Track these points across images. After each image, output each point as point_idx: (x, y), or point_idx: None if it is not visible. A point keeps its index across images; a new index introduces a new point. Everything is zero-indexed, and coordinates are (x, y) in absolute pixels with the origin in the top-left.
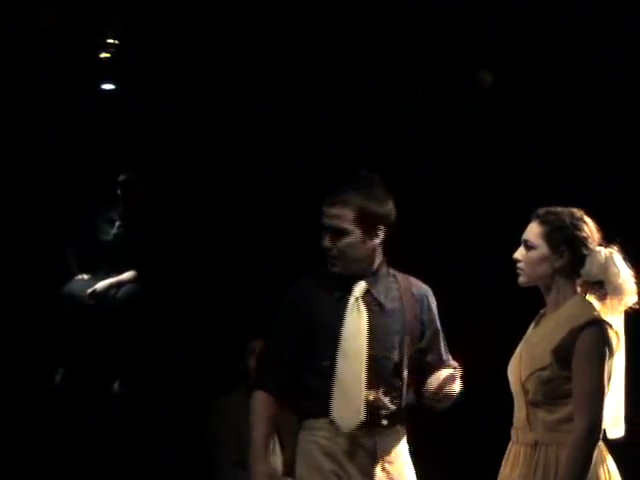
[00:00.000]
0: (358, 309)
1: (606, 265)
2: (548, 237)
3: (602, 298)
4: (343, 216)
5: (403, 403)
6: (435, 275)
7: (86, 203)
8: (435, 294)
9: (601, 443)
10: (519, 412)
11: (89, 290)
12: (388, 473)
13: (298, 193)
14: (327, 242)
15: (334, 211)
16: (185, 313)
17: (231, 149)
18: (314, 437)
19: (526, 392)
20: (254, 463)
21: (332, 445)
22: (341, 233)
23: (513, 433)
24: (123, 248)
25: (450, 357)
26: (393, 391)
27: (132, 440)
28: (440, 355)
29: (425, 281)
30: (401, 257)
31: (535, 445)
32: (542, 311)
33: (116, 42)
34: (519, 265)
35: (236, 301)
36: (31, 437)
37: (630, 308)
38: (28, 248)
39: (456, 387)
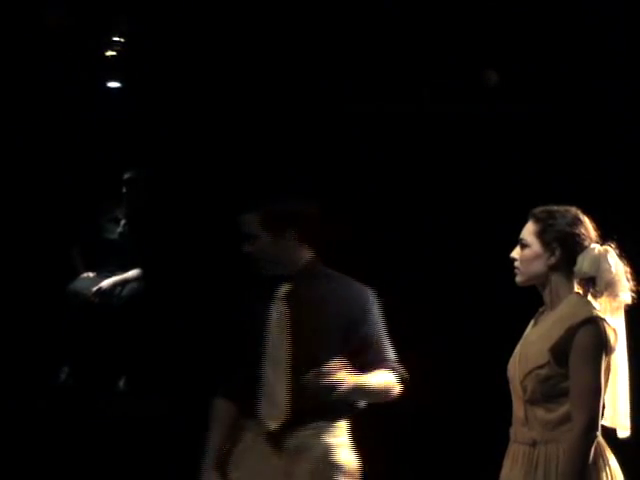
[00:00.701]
0: (281, 310)
1: (598, 261)
2: (540, 234)
3: (597, 295)
4: (250, 221)
5: (330, 403)
6: (437, 273)
7: (91, 201)
8: (437, 292)
9: (603, 441)
10: (517, 411)
11: (94, 288)
12: (311, 474)
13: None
14: (245, 247)
15: (243, 218)
16: (190, 311)
17: (236, 148)
18: (244, 436)
19: (524, 391)
20: (205, 472)
21: (256, 445)
22: (252, 237)
23: (512, 432)
24: (128, 246)
25: (393, 360)
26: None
27: (137, 437)
28: (376, 357)
29: (427, 278)
30: (404, 255)
31: (534, 444)
32: (541, 309)
33: (122, 40)
34: (515, 264)
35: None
36: (36, 435)
37: (630, 306)
38: (33, 246)
39: (342, 385)
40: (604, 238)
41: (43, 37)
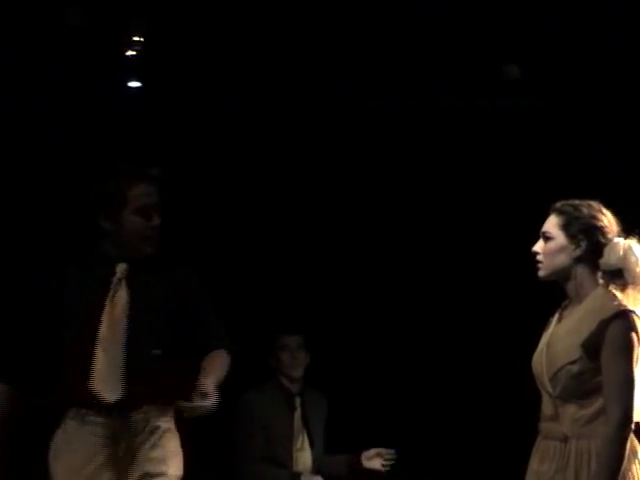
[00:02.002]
0: (119, 291)
1: (625, 254)
2: (565, 227)
3: (623, 288)
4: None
5: (161, 387)
6: (457, 268)
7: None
8: (457, 287)
9: (632, 435)
10: (547, 407)
11: None
12: (139, 459)
13: (317, 187)
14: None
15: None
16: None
17: (257, 146)
18: (62, 426)
19: (554, 387)
20: None
21: (76, 434)
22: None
23: (541, 428)
24: None
25: (224, 336)
26: (150, 374)
27: None
28: (208, 332)
29: (447, 272)
30: (425, 249)
31: (565, 439)
32: (564, 304)
33: (141, 40)
34: (538, 258)
35: (265, 296)
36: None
37: None
38: (53, 245)
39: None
40: (626, 232)
41: (63, 37)
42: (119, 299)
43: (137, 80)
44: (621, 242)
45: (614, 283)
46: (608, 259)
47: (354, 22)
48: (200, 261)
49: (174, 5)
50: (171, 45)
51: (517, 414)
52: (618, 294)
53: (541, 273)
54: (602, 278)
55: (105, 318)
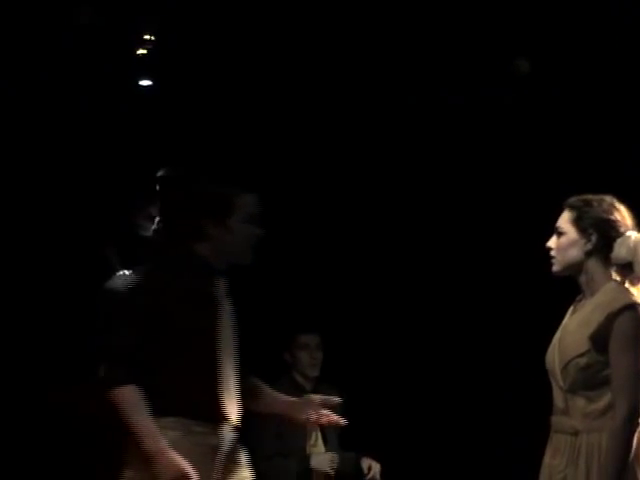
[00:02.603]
0: (224, 307)
1: (635, 247)
2: (576, 222)
3: (635, 282)
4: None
5: None
6: (472, 262)
7: (125, 200)
8: (472, 283)
9: None
10: (558, 400)
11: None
12: (229, 471)
13: (334, 186)
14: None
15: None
16: None
17: (267, 144)
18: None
19: (564, 380)
20: (167, 453)
21: (181, 443)
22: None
23: (553, 422)
24: None
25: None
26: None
27: None
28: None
29: (461, 266)
30: (441, 246)
31: (576, 433)
32: (578, 298)
33: (153, 38)
34: (552, 253)
35: (282, 293)
36: (75, 431)
37: None
38: (69, 246)
39: None
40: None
41: (73, 35)
42: (225, 315)
43: (148, 79)
44: (632, 235)
45: (626, 277)
46: (618, 252)
47: (364, 19)
48: None
49: (185, 4)
50: (182, 44)
51: (532, 408)
52: (631, 288)
53: (555, 268)
54: (615, 272)
55: (220, 335)
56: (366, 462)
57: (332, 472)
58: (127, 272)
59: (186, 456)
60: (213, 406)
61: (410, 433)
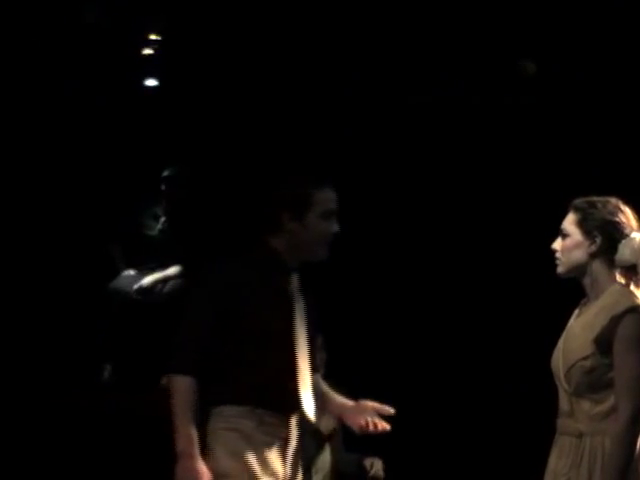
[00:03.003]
0: (298, 303)
1: (639, 249)
2: (581, 223)
3: (639, 284)
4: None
5: None
6: (477, 265)
7: (131, 199)
8: (476, 285)
9: None
10: (563, 403)
11: (135, 286)
12: (295, 460)
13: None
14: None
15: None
16: None
17: (271, 144)
18: (233, 424)
19: (569, 383)
20: (193, 459)
21: (254, 433)
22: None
23: (558, 424)
24: (168, 243)
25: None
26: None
27: None
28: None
29: (465, 269)
30: (449, 244)
31: (580, 436)
32: (583, 301)
33: (159, 38)
34: (557, 255)
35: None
36: (80, 432)
37: None
38: (75, 245)
39: None
40: None
41: (80, 36)
42: (299, 312)
43: (154, 79)
44: (637, 237)
45: (631, 279)
46: (622, 254)
47: (367, 20)
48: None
49: (191, 4)
50: (188, 44)
51: (537, 410)
52: (635, 291)
53: (559, 270)
54: (620, 275)
55: (295, 330)
56: (368, 461)
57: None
58: (132, 272)
59: (259, 447)
60: (285, 398)
61: (415, 435)
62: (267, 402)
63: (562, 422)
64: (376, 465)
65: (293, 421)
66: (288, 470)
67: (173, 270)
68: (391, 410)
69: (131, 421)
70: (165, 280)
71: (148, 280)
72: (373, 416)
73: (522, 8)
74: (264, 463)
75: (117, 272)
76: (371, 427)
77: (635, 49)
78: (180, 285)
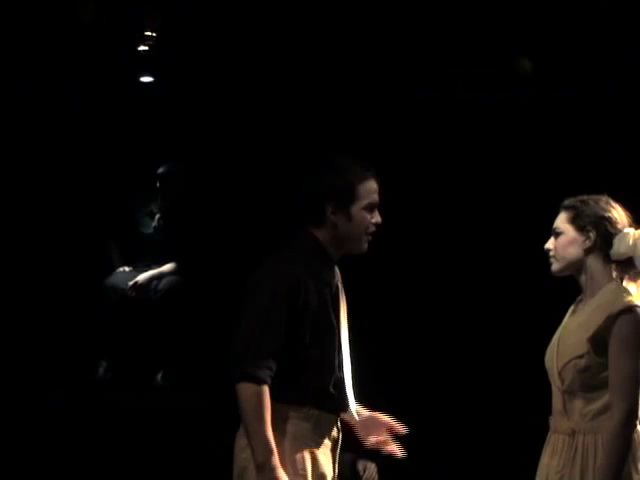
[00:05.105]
0: (343, 295)
1: (635, 242)
2: (574, 220)
3: (636, 278)
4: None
5: None
6: (473, 263)
7: (126, 196)
8: (472, 282)
9: (639, 430)
10: (556, 401)
11: (131, 282)
12: (339, 460)
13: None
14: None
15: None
16: (226, 304)
17: (270, 141)
18: (294, 426)
19: (562, 380)
20: (275, 470)
21: (314, 436)
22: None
23: (551, 422)
24: (163, 240)
25: None
26: None
27: (175, 431)
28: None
29: (463, 268)
30: (440, 243)
31: (573, 434)
32: (579, 298)
33: (154, 35)
34: (550, 254)
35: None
36: (75, 429)
37: None
38: (70, 241)
39: None
40: (637, 223)
41: (76, 32)
42: (343, 307)
43: (150, 75)
44: (631, 232)
45: (627, 274)
46: (618, 248)
47: (367, 17)
48: (216, 255)
49: (187, 0)
50: (183, 40)
51: (530, 408)
52: (632, 288)
53: (554, 267)
54: (615, 270)
55: (341, 327)
56: (362, 464)
57: None
58: (127, 268)
59: (314, 448)
60: (339, 398)
61: (409, 435)
62: (324, 403)
63: (555, 420)
64: (369, 469)
65: (339, 422)
66: (336, 471)
67: (168, 267)
68: (404, 430)
69: (125, 417)
70: (160, 277)
71: (143, 277)
72: (385, 433)
73: (520, 6)
74: (316, 465)
75: (112, 269)
76: (382, 446)
77: (632, 47)
78: (175, 282)
